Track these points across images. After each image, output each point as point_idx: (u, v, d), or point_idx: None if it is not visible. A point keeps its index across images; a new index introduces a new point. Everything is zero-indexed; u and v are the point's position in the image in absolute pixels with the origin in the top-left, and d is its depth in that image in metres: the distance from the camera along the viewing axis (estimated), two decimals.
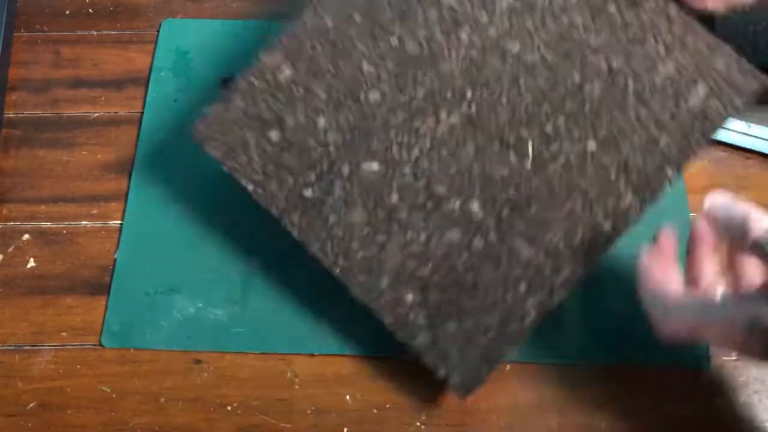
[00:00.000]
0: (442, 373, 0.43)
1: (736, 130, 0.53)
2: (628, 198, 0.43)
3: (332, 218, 0.44)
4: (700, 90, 0.44)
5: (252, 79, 0.46)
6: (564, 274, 0.43)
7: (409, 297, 0.44)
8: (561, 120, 0.44)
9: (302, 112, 0.45)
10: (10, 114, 0.56)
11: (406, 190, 0.44)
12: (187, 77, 0.57)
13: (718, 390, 0.46)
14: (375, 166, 0.45)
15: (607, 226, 0.43)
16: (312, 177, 0.45)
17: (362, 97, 0.45)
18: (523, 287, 0.43)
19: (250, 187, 0.45)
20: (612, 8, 0.44)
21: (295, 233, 0.44)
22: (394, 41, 0.45)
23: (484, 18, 0.45)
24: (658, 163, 0.44)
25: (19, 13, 0.60)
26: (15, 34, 0.59)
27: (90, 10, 0.61)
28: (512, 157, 0.44)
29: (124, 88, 0.57)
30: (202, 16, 0.60)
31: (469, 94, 0.44)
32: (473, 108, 0.44)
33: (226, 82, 0.55)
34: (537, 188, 0.44)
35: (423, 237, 0.44)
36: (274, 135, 0.45)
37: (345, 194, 0.45)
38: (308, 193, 0.45)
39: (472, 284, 0.43)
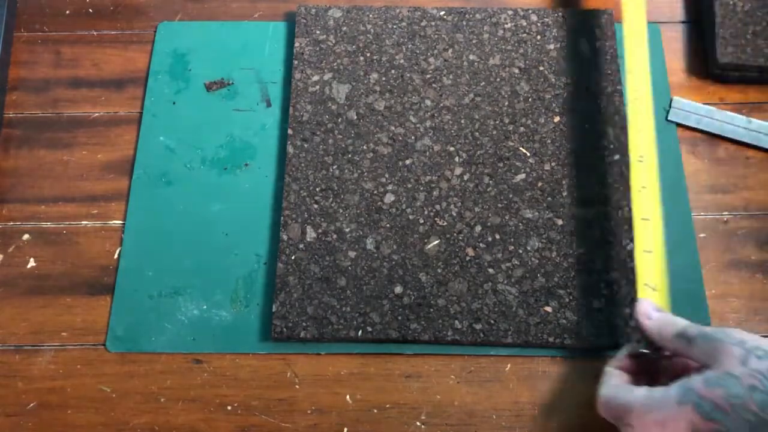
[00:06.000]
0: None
1: (737, 125, 0.53)
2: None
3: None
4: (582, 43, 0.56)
5: (291, 257, 0.49)
6: None
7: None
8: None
9: (350, 248, 0.49)
10: (10, 114, 0.56)
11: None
12: (185, 80, 0.57)
13: None
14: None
15: None
16: (399, 288, 0.48)
17: (380, 204, 0.50)
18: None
19: (352, 334, 0.47)
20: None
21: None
22: (369, 154, 0.52)
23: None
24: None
25: (19, 13, 0.60)
26: (15, 34, 0.59)
27: (90, 10, 0.61)
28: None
29: (124, 88, 0.57)
30: (202, 16, 0.60)
31: (452, 148, 0.52)
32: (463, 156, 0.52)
33: (212, 86, 0.55)
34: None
35: None
36: (341, 281, 0.48)
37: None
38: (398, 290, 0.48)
39: None
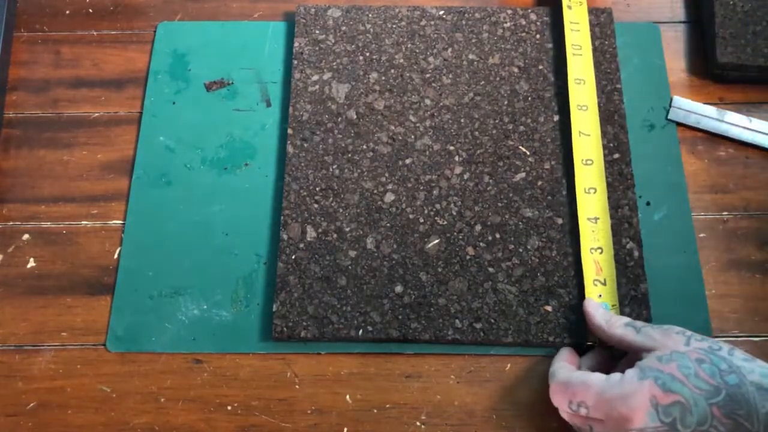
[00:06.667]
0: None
1: (737, 124, 0.53)
2: None
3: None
4: None
5: (291, 257, 0.49)
6: None
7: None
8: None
9: (351, 248, 0.49)
10: (10, 114, 0.56)
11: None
12: (185, 80, 0.57)
13: None
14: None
15: None
16: (399, 287, 0.48)
17: (380, 203, 0.50)
18: None
19: (353, 334, 0.47)
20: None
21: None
22: (369, 153, 0.52)
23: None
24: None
25: (19, 13, 0.60)
26: (15, 34, 0.59)
27: (90, 10, 0.61)
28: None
29: (124, 88, 0.57)
30: (202, 16, 0.60)
31: (451, 147, 0.52)
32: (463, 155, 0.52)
33: (212, 86, 0.55)
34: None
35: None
36: (341, 281, 0.48)
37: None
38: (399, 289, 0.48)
39: None
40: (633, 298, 0.47)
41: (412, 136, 0.53)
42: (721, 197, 0.52)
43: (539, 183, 0.51)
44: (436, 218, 0.50)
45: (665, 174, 0.52)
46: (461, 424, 0.45)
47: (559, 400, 0.41)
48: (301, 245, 0.49)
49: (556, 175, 0.51)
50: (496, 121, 0.53)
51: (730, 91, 0.55)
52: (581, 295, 0.47)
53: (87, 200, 0.53)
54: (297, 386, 0.47)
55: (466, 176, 0.51)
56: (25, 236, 0.52)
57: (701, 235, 0.51)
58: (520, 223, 0.50)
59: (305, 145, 0.52)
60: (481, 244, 0.49)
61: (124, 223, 0.52)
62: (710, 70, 0.56)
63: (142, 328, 0.48)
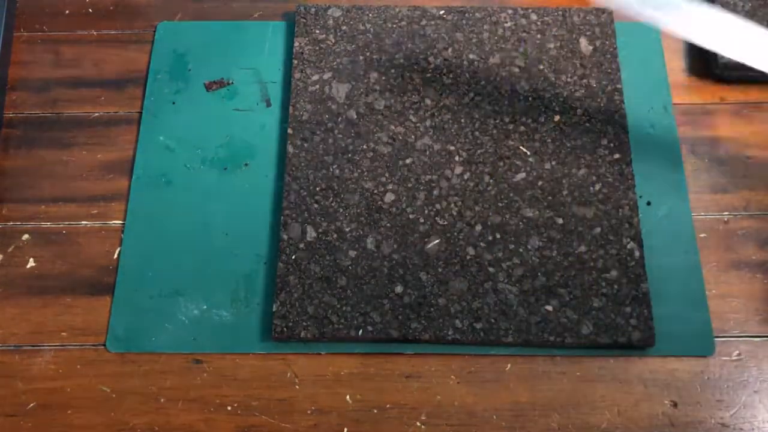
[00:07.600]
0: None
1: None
2: None
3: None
4: (582, 41, 0.56)
5: (291, 257, 0.49)
6: None
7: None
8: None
9: (351, 248, 0.49)
10: (10, 114, 0.56)
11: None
12: (185, 80, 0.57)
13: (719, 390, 0.46)
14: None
15: None
16: (399, 287, 0.48)
17: (381, 203, 0.50)
18: None
19: (353, 334, 0.47)
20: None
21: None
22: (369, 153, 0.52)
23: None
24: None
25: (19, 13, 0.60)
26: (15, 34, 0.59)
27: (90, 10, 0.61)
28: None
29: (124, 88, 0.57)
30: (202, 16, 0.60)
31: (452, 147, 0.52)
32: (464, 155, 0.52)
33: (212, 86, 0.55)
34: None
35: None
36: (341, 281, 0.48)
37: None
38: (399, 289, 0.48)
39: None
40: (634, 298, 0.47)
41: (413, 136, 0.53)
42: (721, 197, 0.52)
43: (539, 183, 0.51)
44: (436, 218, 0.50)
45: (665, 174, 0.52)
46: (461, 424, 0.45)
47: None
48: (301, 245, 0.49)
49: (557, 175, 0.51)
50: (497, 121, 0.53)
51: (730, 91, 0.55)
52: (582, 295, 0.47)
53: (87, 200, 0.53)
54: (297, 386, 0.47)
55: (466, 176, 0.51)
56: (25, 236, 0.52)
57: (702, 235, 0.51)
58: (520, 223, 0.50)
59: (305, 145, 0.52)
60: (481, 244, 0.49)
61: (124, 223, 0.52)
62: (710, 70, 0.56)
63: (142, 328, 0.48)
